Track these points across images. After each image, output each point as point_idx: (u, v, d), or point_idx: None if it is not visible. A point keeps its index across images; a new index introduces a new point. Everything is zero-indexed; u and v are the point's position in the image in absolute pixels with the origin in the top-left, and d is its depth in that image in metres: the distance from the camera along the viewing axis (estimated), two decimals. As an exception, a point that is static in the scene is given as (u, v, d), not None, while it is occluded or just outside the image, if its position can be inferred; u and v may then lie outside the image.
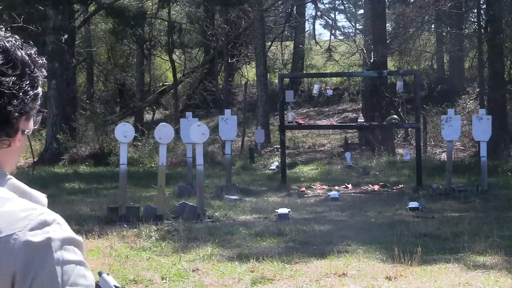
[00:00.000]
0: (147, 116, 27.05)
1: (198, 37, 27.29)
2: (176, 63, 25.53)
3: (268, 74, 24.59)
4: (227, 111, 13.66)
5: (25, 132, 1.19)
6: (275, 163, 17.37)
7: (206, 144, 17.88)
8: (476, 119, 12.42)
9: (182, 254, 7.04)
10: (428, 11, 20.75)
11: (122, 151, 9.77)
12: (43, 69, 1.20)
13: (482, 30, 19.38)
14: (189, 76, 26.83)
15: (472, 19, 22.34)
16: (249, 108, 24.56)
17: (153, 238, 7.82)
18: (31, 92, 1.15)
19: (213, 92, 25.55)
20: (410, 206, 10.13)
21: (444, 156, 17.99)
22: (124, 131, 9.76)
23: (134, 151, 19.78)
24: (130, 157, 18.02)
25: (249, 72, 27.89)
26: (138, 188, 13.34)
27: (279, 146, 16.36)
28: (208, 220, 9.32)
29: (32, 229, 1.06)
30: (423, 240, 7.59)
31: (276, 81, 23.13)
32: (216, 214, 9.75)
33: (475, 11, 20.84)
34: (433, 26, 22.95)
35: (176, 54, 27.20)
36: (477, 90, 21.36)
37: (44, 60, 1.21)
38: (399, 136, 21.13)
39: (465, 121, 18.81)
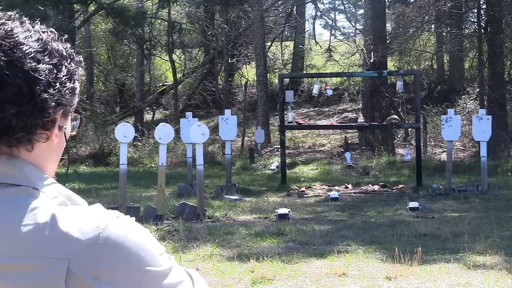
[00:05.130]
0: (147, 116, 27.06)
1: (198, 37, 27.29)
2: (176, 63, 25.54)
3: (268, 74, 24.59)
4: (227, 111, 13.67)
5: (63, 129, 1.14)
6: (275, 163, 17.37)
7: (206, 144, 17.88)
8: (476, 119, 12.42)
9: (182, 254, 7.04)
10: (428, 11, 20.76)
11: (122, 151, 9.77)
12: (80, 67, 1.17)
13: (482, 30, 19.37)
14: (189, 76, 26.84)
15: (472, 19, 22.34)
16: (249, 108, 24.56)
17: (153, 238, 7.81)
18: (68, 84, 1.11)
19: (213, 92, 25.55)
20: (410, 206, 10.13)
21: (444, 156, 17.99)
22: (124, 131, 9.76)
23: (134, 151, 19.80)
24: (130, 157, 18.03)
25: (249, 72, 27.89)
26: (138, 188, 13.34)
27: (279, 146, 16.36)
28: (208, 220, 9.32)
29: None
30: (423, 240, 7.58)
31: (276, 81, 23.13)
32: (216, 214, 9.75)
33: (475, 11, 20.83)
34: (433, 26, 22.94)
35: (176, 54, 27.20)
36: (477, 90, 21.37)
37: (81, 58, 1.19)
38: (399, 136, 21.13)
39: (465, 121, 18.82)
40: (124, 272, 1.03)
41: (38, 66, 1.07)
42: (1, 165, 1.08)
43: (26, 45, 1.07)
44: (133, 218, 1.10)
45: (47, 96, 1.07)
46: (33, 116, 1.06)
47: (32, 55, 1.07)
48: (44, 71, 1.07)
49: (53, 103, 1.08)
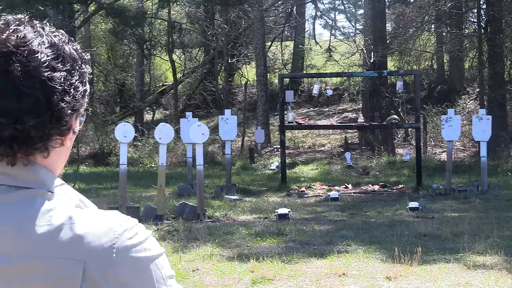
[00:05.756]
0: (147, 116, 27.06)
1: (198, 37, 27.29)
2: (176, 63, 25.53)
3: (268, 74, 24.58)
4: (227, 111, 13.67)
5: (75, 131, 1.15)
6: (275, 163, 17.37)
7: (206, 144, 17.88)
8: (476, 119, 12.42)
9: (182, 254, 7.04)
10: (428, 11, 20.75)
11: (122, 151, 9.77)
12: (88, 65, 1.16)
13: (482, 30, 19.37)
14: (189, 76, 26.84)
15: (472, 19, 22.34)
16: (249, 108, 24.56)
17: (153, 238, 7.81)
18: (81, 88, 1.11)
19: (213, 92, 25.55)
20: (410, 206, 10.12)
21: (444, 156, 17.99)
22: (124, 131, 9.76)
23: (134, 151, 19.80)
24: (130, 157, 18.03)
25: (249, 72, 27.89)
26: (138, 188, 13.34)
27: (279, 146, 16.36)
28: (208, 220, 9.32)
29: None
30: (423, 240, 7.58)
31: (276, 81, 23.13)
32: (216, 214, 9.75)
33: (475, 11, 20.84)
34: (433, 26, 22.94)
35: (176, 54, 27.20)
36: (477, 90, 21.37)
37: (89, 56, 1.18)
38: (399, 136, 21.13)
39: (465, 121, 18.82)
40: (135, 281, 1.04)
41: (53, 74, 1.06)
42: (17, 170, 1.08)
43: (41, 53, 1.06)
44: (150, 231, 1.11)
45: (64, 105, 1.07)
46: (50, 125, 1.06)
47: (47, 63, 1.06)
48: (60, 78, 1.07)
49: (69, 111, 1.08)
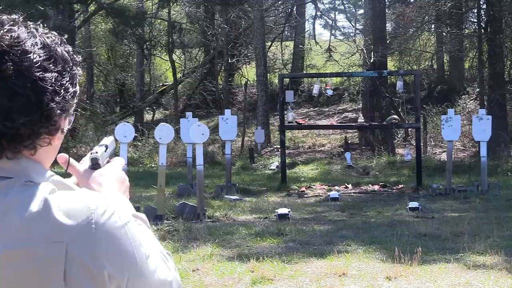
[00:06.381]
0: (147, 116, 27.05)
1: (198, 37, 27.28)
2: (176, 63, 25.53)
3: (268, 74, 24.58)
4: (227, 111, 13.66)
5: (64, 131, 1.18)
6: (275, 163, 17.36)
7: (206, 144, 17.88)
8: (476, 119, 12.41)
9: (182, 254, 7.04)
10: (428, 11, 20.75)
11: (122, 151, 9.77)
12: (79, 67, 1.19)
13: (482, 30, 19.37)
14: (189, 76, 26.83)
15: (472, 19, 22.34)
16: (249, 108, 24.56)
17: (153, 238, 7.81)
18: (71, 89, 1.14)
19: (213, 92, 25.55)
20: (410, 206, 10.12)
21: (444, 156, 17.99)
22: (124, 131, 9.76)
23: (134, 151, 19.80)
24: (130, 157, 18.02)
25: (249, 72, 27.88)
26: (138, 188, 13.33)
27: (279, 146, 16.35)
28: (208, 220, 9.32)
29: None
30: (423, 240, 7.58)
31: (276, 81, 23.12)
32: (216, 214, 9.75)
33: (475, 11, 20.84)
34: (433, 26, 22.94)
35: (176, 54, 27.19)
36: (477, 90, 21.37)
37: (80, 58, 1.21)
38: (399, 136, 21.13)
39: (465, 121, 18.81)
40: (117, 250, 1.08)
41: (45, 75, 1.08)
42: (1, 163, 1.10)
43: (34, 53, 1.08)
44: (118, 200, 1.14)
45: (54, 105, 1.09)
46: (39, 124, 1.09)
47: (39, 63, 1.08)
48: (51, 79, 1.09)
49: (58, 111, 1.11)
